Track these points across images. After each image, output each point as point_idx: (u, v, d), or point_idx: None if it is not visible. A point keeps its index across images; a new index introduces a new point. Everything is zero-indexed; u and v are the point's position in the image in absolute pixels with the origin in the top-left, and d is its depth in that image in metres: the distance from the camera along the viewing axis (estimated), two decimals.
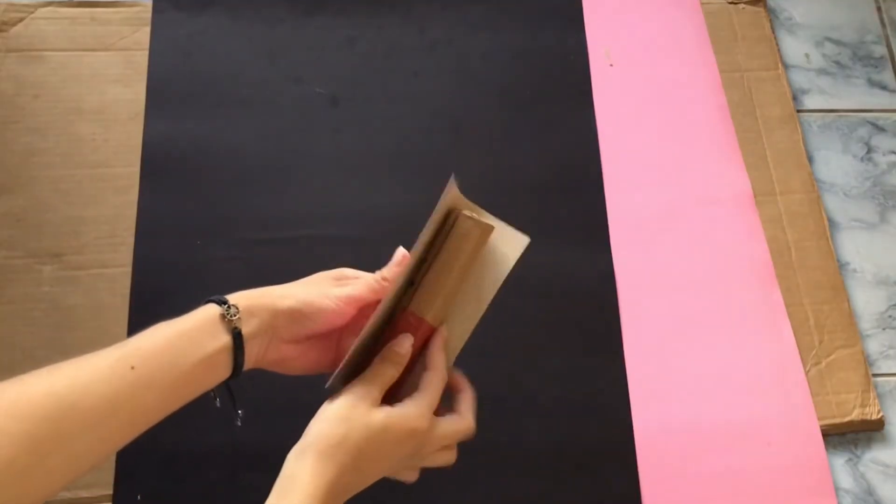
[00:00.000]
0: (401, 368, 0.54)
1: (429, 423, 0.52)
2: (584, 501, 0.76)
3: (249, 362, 0.53)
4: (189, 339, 0.49)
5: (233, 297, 0.52)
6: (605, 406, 0.80)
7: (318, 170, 0.88)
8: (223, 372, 0.51)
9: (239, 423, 0.54)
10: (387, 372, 0.53)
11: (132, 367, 0.46)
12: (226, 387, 0.53)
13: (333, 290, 0.55)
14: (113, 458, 0.73)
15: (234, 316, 0.51)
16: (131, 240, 0.83)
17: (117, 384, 0.45)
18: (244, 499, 0.73)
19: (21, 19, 0.93)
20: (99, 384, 0.45)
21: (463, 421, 0.55)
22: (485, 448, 0.77)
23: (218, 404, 0.55)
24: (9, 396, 0.42)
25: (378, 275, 0.57)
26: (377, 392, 0.52)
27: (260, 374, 0.76)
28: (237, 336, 0.51)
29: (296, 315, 0.53)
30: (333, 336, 0.57)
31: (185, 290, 0.81)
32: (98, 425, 0.44)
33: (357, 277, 0.58)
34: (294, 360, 0.56)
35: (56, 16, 0.94)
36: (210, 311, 0.51)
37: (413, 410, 0.52)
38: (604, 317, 0.84)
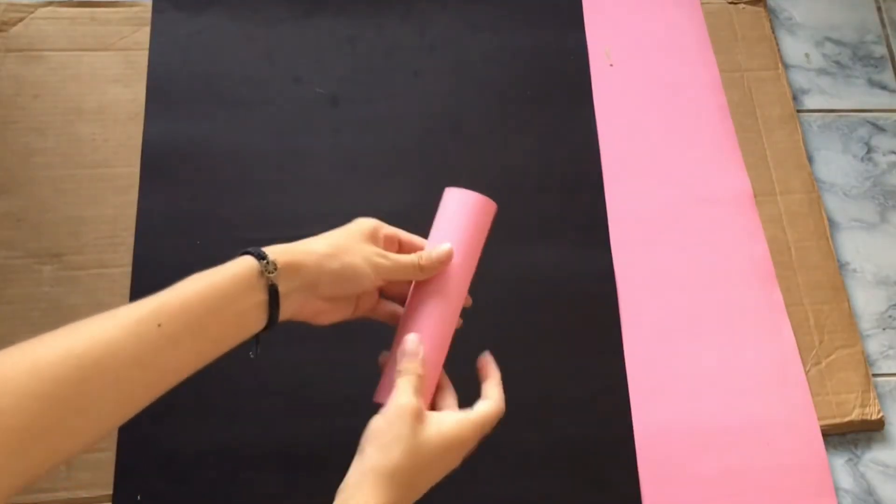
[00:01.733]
0: (422, 366, 0.55)
1: (478, 433, 0.54)
2: (584, 501, 0.76)
3: (285, 316, 0.52)
4: (223, 294, 0.48)
5: (272, 252, 0.51)
6: (605, 406, 0.80)
7: (318, 169, 0.89)
8: (255, 326, 0.51)
9: (252, 356, 0.52)
10: (414, 375, 0.54)
11: (159, 325, 0.44)
12: (255, 339, 0.52)
13: (375, 258, 0.56)
14: (112, 457, 0.73)
15: (272, 272, 0.50)
16: (131, 240, 0.83)
17: (142, 343, 0.44)
18: (244, 498, 0.73)
19: (21, 19, 0.93)
20: (123, 343, 0.43)
21: (494, 406, 0.57)
22: (484, 448, 0.77)
23: (252, 356, 0.54)
24: (29, 357, 0.41)
25: (417, 259, 0.58)
26: (416, 400, 0.52)
27: (257, 373, 0.76)
28: (273, 293, 0.50)
29: (339, 278, 0.54)
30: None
31: None
32: (122, 385, 0.43)
33: (390, 235, 0.60)
34: (326, 313, 0.56)
35: (56, 16, 0.94)
36: (247, 264, 0.50)
37: (467, 425, 0.54)
38: (604, 316, 0.84)
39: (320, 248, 0.54)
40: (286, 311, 0.52)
